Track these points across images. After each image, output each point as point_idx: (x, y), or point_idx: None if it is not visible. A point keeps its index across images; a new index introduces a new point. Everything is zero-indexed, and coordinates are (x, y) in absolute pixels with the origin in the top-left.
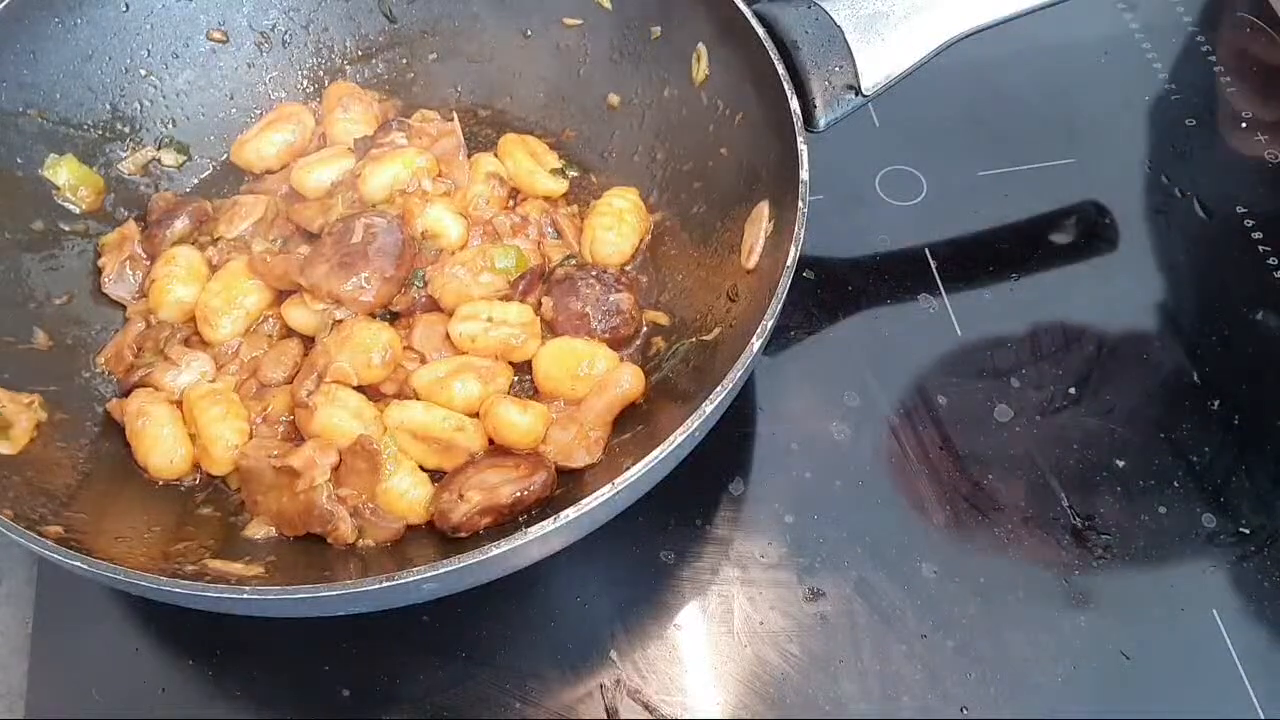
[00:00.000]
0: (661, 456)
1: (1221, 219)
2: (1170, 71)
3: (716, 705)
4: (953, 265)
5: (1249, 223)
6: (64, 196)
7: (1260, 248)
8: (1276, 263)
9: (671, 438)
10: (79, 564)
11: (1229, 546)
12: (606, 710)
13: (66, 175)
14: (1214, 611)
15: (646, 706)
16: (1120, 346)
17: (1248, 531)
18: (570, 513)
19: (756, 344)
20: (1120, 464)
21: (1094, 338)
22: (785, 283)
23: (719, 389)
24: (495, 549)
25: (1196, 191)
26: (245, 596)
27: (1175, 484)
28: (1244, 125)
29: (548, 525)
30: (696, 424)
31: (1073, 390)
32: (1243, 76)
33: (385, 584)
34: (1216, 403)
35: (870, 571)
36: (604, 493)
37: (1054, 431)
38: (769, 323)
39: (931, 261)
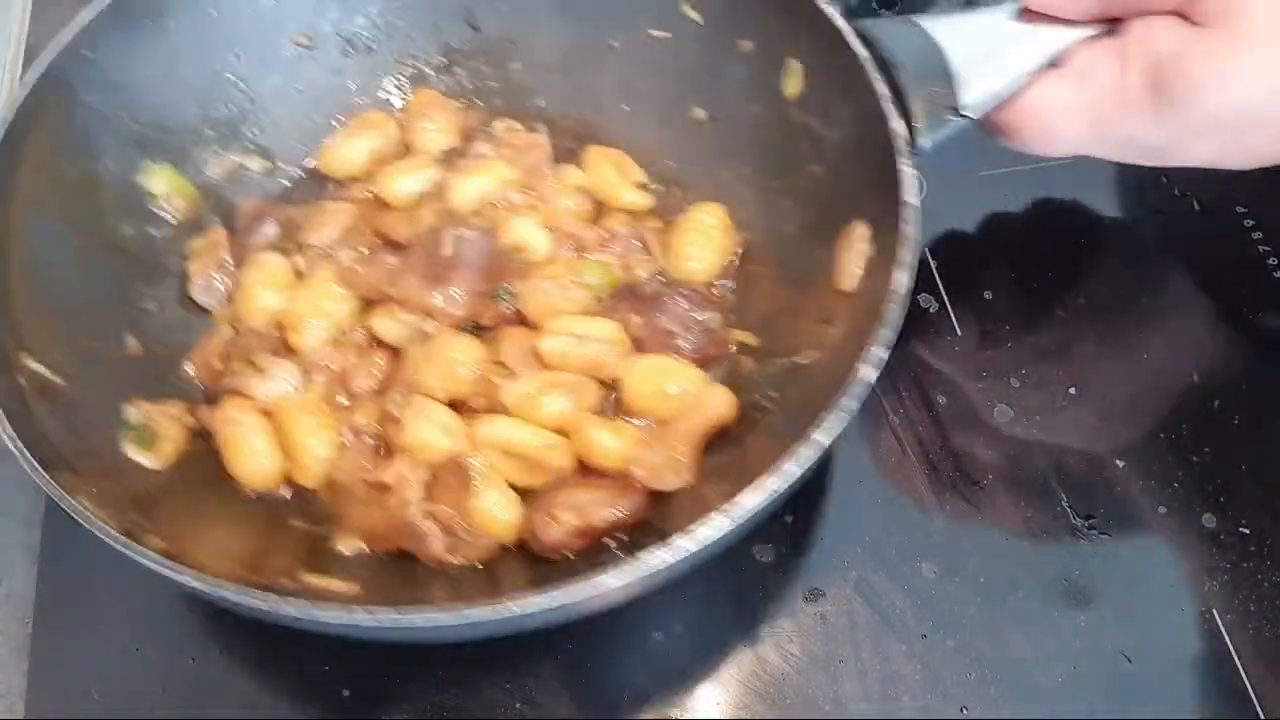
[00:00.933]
0: (779, 489)
1: (1221, 219)
2: None
3: (716, 705)
4: (953, 265)
5: (1249, 223)
6: (159, 205)
7: (1260, 248)
8: (1276, 263)
9: (787, 469)
10: (193, 581)
11: (1229, 546)
12: (607, 710)
13: (163, 184)
14: (1214, 611)
15: (648, 706)
16: (1120, 346)
17: (1248, 531)
18: (687, 544)
19: (871, 374)
20: (1120, 464)
21: (1094, 337)
22: (896, 311)
23: (834, 418)
24: (621, 576)
25: (1196, 191)
26: (363, 621)
27: (1175, 484)
28: None
29: (667, 557)
30: (815, 456)
31: (1073, 390)
32: None
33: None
34: (1216, 403)
35: (870, 571)
36: (721, 525)
37: (1054, 431)
38: (879, 350)
39: (931, 261)
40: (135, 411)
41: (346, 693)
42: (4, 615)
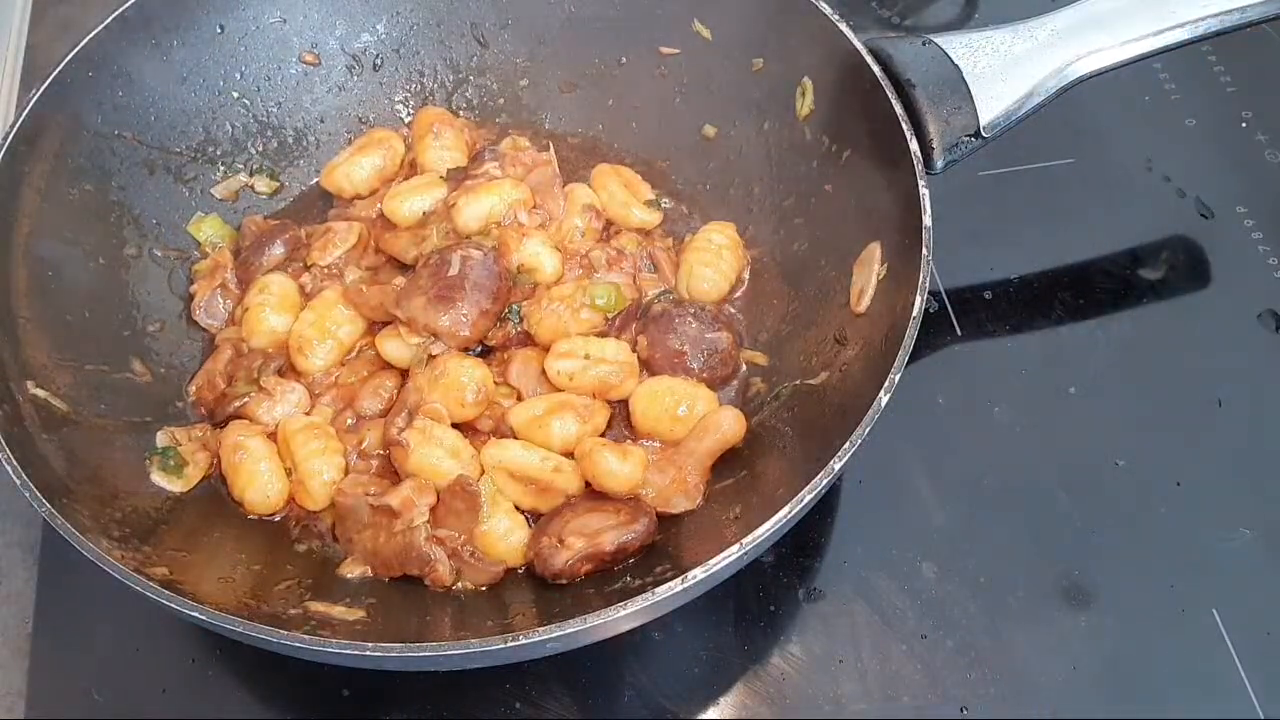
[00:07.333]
0: (789, 515)
1: (1221, 219)
2: (1170, 71)
3: (716, 705)
4: (953, 266)
5: (1249, 223)
6: (203, 251)
7: (1260, 248)
8: (1276, 263)
9: (799, 497)
10: (199, 615)
11: (1229, 546)
12: (606, 710)
13: (210, 231)
14: (1214, 611)
15: (648, 706)
16: (1120, 346)
17: (1248, 531)
18: (698, 573)
19: (884, 398)
20: (1120, 464)
21: (1093, 337)
22: (911, 335)
23: (848, 445)
24: (634, 606)
25: (1196, 191)
26: (369, 653)
27: (1175, 484)
28: (1244, 125)
29: (676, 586)
30: (825, 482)
31: (1072, 390)
32: (1243, 76)
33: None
34: (1217, 402)
35: (870, 571)
36: (735, 555)
37: (1053, 431)
38: (895, 376)
39: (931, 262)
40: (163, 436)
41: (346, 692)
42: (4, 615)
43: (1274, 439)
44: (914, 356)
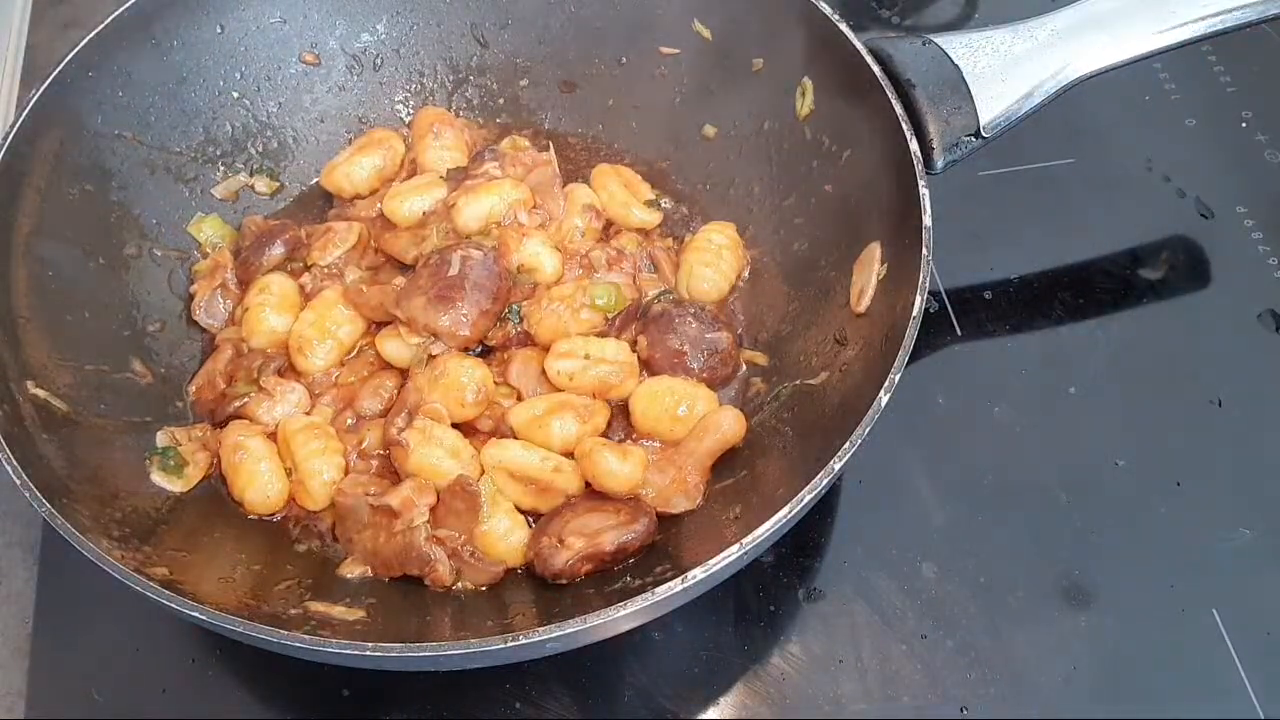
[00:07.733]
0: (789, 515)
1: (1221, 219)
2: (1170, 71)
3: (716, 705)
4: (953, 266)
5: (1249, 223)
6: (203, 251)
7: (1260, 248)
8: (1276, 263)
9: (799, 497)
10: (199, 615)
11: (1229, 546)
12: (606, 710)
13: (209, 231)
14: (1214, 611)
15: (648, 706)
16: (1119, 346)
17: (1248, 531)
18: (698, 573)
19: (884, 398)
20: (1120, 464)
21: (1093, 338)
22: (911, 335)
23: (848, 445)
24: (634, 606)
25: (1196, 191)
26: (369, 653)
27: (1175, 484)
28: (1244, 125)
29: (676, 586)
30: (825, 482)
31: (1073, 390)
32: (1243, 76)
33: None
34: (1217, 403)
35: (870, 571)
36: (735, 555)
37: (1053, 431)
38: (895, 376)
39: (931, 261)
40: (163, 436)
41: (346, 693)
42: (4, 615)
43: (1274, 439)
44: (914, 356)
